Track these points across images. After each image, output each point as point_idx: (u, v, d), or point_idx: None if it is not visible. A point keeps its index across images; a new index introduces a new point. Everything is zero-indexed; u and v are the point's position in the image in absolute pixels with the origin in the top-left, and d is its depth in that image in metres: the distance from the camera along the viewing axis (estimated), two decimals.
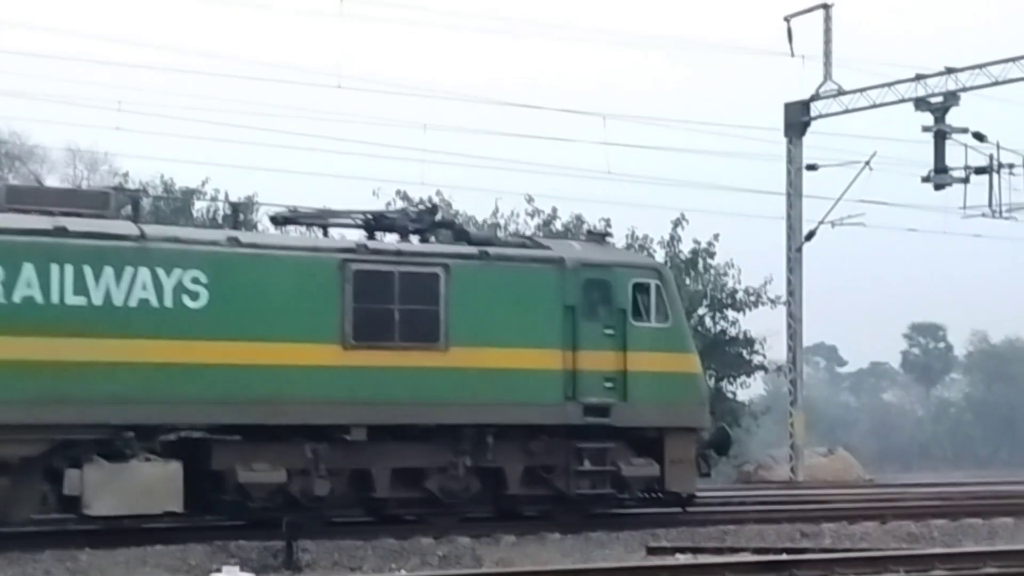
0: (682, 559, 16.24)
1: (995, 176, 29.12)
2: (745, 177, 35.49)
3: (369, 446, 18.56)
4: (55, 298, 16.65)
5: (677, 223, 36.89)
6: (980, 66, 29.52)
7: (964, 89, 29.54)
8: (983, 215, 29.57)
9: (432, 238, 20.24)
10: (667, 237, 37.62)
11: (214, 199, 33.81)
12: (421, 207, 20.57)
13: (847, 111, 32.09)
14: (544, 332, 19.69)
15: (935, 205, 30.46)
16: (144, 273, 17.15)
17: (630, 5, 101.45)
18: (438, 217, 20.49)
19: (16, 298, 16.45)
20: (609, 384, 20.04)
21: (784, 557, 15.46)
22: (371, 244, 19.03)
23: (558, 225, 38.14)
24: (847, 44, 36.01)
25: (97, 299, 16.88)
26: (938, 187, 29.59)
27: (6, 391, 16.24)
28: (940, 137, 29.37)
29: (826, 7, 32.60)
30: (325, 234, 20.04)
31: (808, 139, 32.59)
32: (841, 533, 19.66)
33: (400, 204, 36.46)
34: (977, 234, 32.24)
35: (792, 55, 32.24)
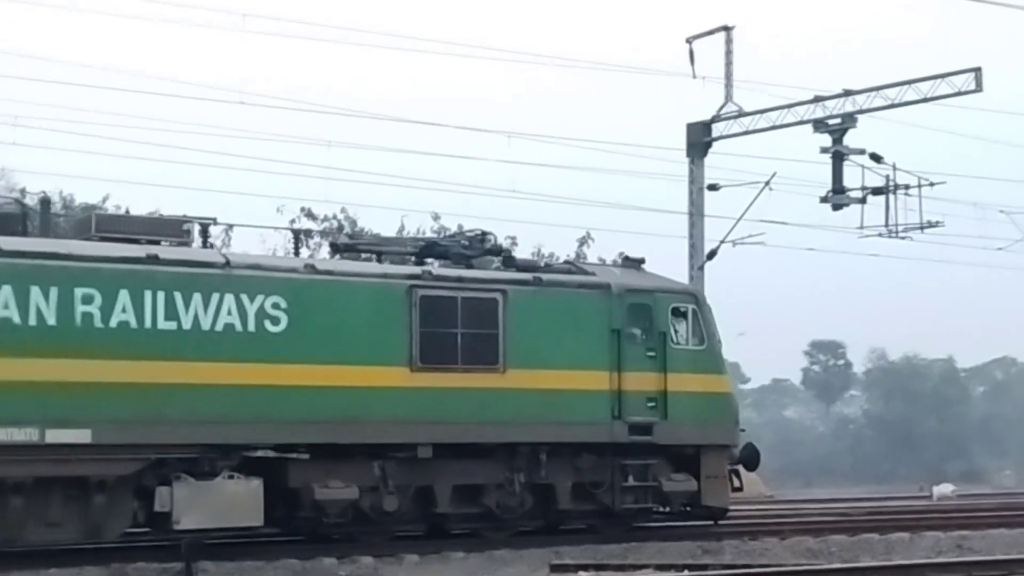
0: None
1: (891, 197, 29.46)
2: (649, 196, 36.24)
3: (433, 463, 19.46)
4: (148, 323, 17.42)
5: (583, 241, 37.64)
6: (877, 88, 29.63)
7: (861, 111, 29.74)
8: (880, 235, 29.88)
9: (477, 264, 21.21)
10: (573, 255, 38.30)
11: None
12: (472, 234, 21.44)
13: (748, 132, 32.24)
14: (592, 354, 20.70)
15: (834, 225, 30.79)
16: (229, 299, 17.96)
17: (536, 25, 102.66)
18: (488, 245, 21.38)
19: (113, 323, 17.21)
20: (651, 404, 21.08)
21: (685, 574, 15.57)
22: (435, 270, 19.96)
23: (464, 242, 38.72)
24: (748, 66, 36.58)
25: (187, 324, 17.67)
26: (836, 207, 29.86)
27: (105, 412, 16.98)
28: (838, 158, 29.68)
29: (727, 30, 32.80)
30: (379, 260, 20.91)
31: (710, 159, 32.87)
32: (742, 549, 19.85)
33: (305, 220, 37.15)
34: (874, 253, 32.68)
35: (694, 76, 32.52)
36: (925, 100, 29.05)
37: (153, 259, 17.60)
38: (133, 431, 17.22)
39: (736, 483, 22.45)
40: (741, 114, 32.04)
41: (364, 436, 18.85)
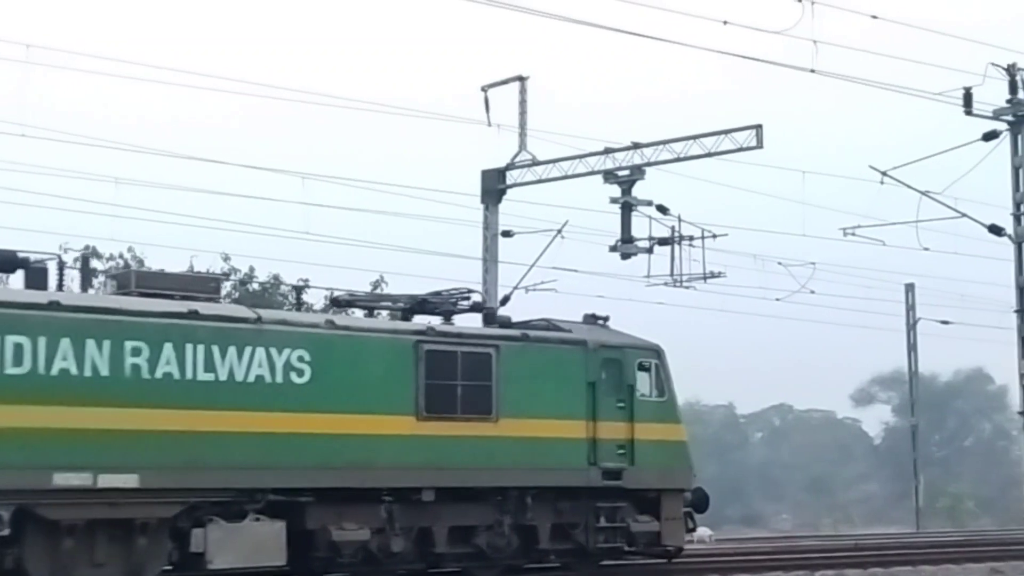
0: None
1: (676, 247, 30.18)
2: (443, 241, 35.86)
3: (433, 506, 20.88)
4: (189, 374, 18.55)
5: (376, 285, 37.67)
6: (664, 142, 30.37)
7: (649, 164, 30.47)
8: (665, 284, 30.52)
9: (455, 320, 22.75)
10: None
11: None
12: (455, 292, 22.96)
13: (541, 180, 32.84)
14: (572, 405, 22.40)
15: (622, 273, 31.42)
16: (260, 352, 19.18)
17: (332, 68, 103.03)
18: (469, 303, 22.92)
19: (158, 374, 18.30)
20: (621, 451, 22.84)
21: None
22: (438, 327, 21.45)
23: (255, 284, 38.83)
24: (542, 116, 37.93)
25: (223, 375, 18.83)
26: (625, 256, 30.50)
27: (150, 458, 18.05)
28: (627, 209, 30.40)
29: (522, 79, 33.20)
30: (370, 315, 22.27)
31: (504, 206, 33.11)
32: None
33: (92, 260, 37.28)
34: (660, 301, 32.91)
35: (489, 124, 32.87)
36: (709, 155, 30.04)
37: (194, 314, 18.76)
38: (175, 476, 18.31)
39: (690, 524, 24.35)
40: (535, 163, 32.70)
41: (375, 481, 20.20)
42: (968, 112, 24.99)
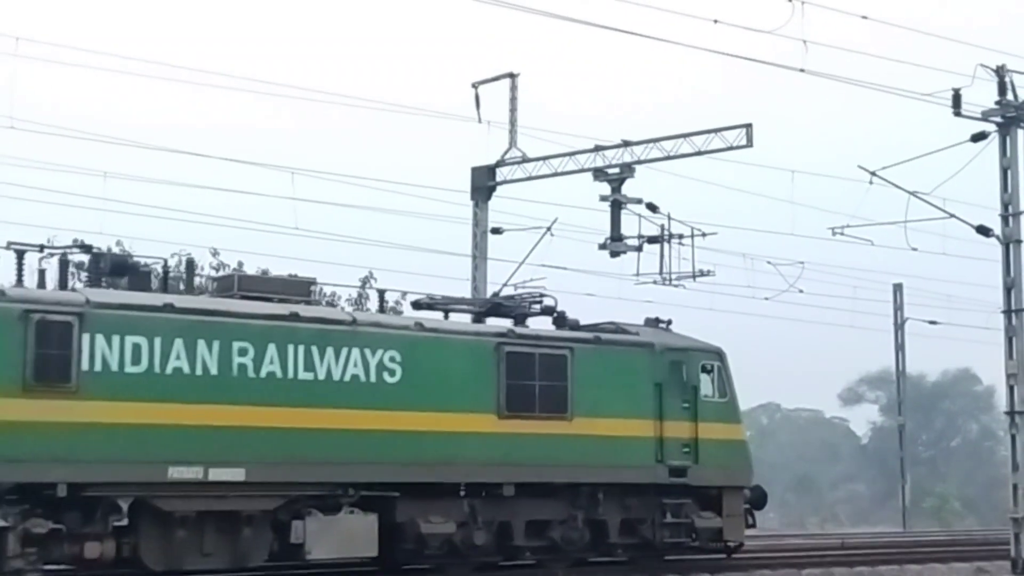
0: None
1: (666, 246, 29.83)
2: (433, 237, 35.13)
3: (512, 501, 21.83)
4: (291, 374, 19.51)
5: (365, 281, 37.27)
6: (654, 140, 30.24)
7: (639, 161, 30.31)
8: (655, 282, 30.10)
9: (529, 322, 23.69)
10: (355, 295, 38.34)
11: None
12: (527, 296, 23.91)
13: (531, 178, 32.61)
14: (640, 405, 23.34)
15: (611, 271, 30.96)
16: (355, 353, 20.14)
17: (323, 63, 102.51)
18: (540, 306, 23.86)
19: (263, 373, 19.26)
20: (686, 449, 23.78)
21: None
22: (518, 330, 22.40)
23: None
24: (532, 113, 37.07)
25: (321, 375, 19.79)
26: (614, 254, 30.26)
27: (256, 453, 19.01)
28: (616, 207, 30.23)
29: (512, 76, 32.99)
30: (446, 317, 23.20)
31: (494, 203, 32.98)
32: None
33: (78, 252, 37.90)
34: (649, 300, 31.77)
35: (480, 121, 32.57)
36: (699, 153, 29.89)
37: (295, 317, 19.71)
38: (278, 470, 19.27)
39: (750, 521, 25.29)
40: (525, 160, 32.53)
41: (460, 476, 21.16)
42: (957, 113, 24.97)
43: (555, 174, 32.24)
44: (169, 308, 18.62)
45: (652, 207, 29.87)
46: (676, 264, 29.69)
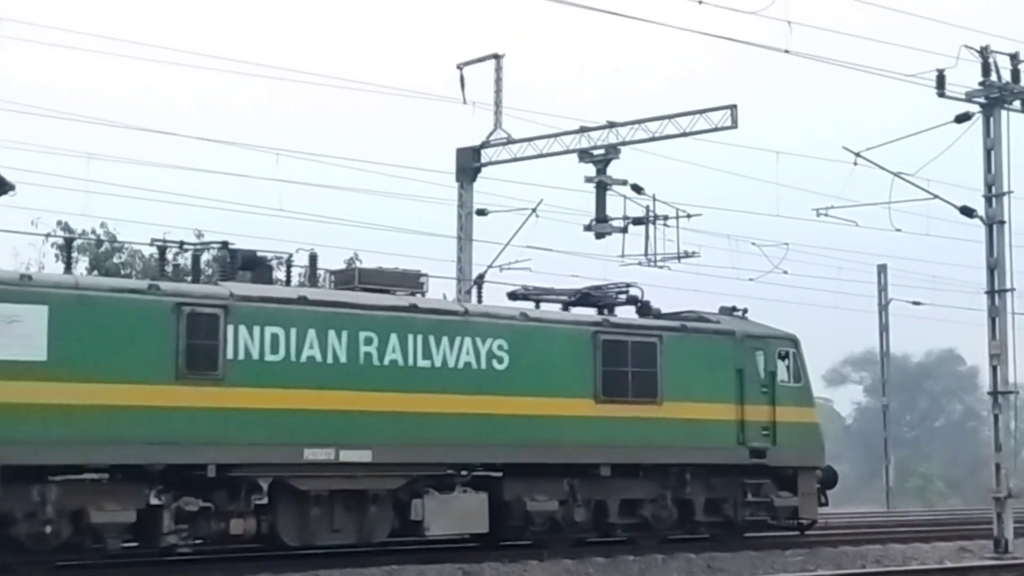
0: None
1: (651, 227, 29.77)
2: (418, 219, 36.70)
3: (607, 481, 23.10)
4: (410, 361, 20.77)
5: (350, 262, 36.94)
6: (639, 121, 30.16)
7: (624, 143, 30.18)
8: (640, 263, 30.01)
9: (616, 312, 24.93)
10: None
11: None
12: (614, 286, 25.14)
13: (516, 159, 32.36)
14: (724, 390, 24.61)
15: (596, 253, 30.85)
16: (467, 342, 21.40)
17: (307, 44, 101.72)
18: (625, 296, 25.09)
19: (386, 361, 20.52)
20: (765, 432, 25.05)
21: None
22: (612, 319, 23.66)
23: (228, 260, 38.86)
24: (517, 94, 36.63)
25: (437, 362, 21.06)
26: (599, 236, 30.14)
27: (381, 436, 20.27)
28: (601, 188, 30.09)
29: (497, 57, 32.86)
30: (537, 307, 24.42)
31: (479, 184, 32.75)
32: (502, 571, 20.35)
33: (60, 233, 36.73)
34: (634, 281, 31.19)
35: (464, 102, 32.46)
36: (684, 134, 29.82)
37: (413, 308, 20.97)
38: (401, 452, 20.54)
39: (822, 500, 26.57)
40: (510, 141, 32.34)
41: (561, 457, 22.42)
42: (941, 94, 24.74)
43: (540, 155, 32.07)
44: (303, 300, 19.87)
45: (637, 188, 29.87)
46: (661, 245, 29.78)
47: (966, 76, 25.04)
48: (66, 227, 37.11)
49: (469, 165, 32.76)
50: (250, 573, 18.97)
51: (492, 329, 21.75)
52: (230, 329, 19.01)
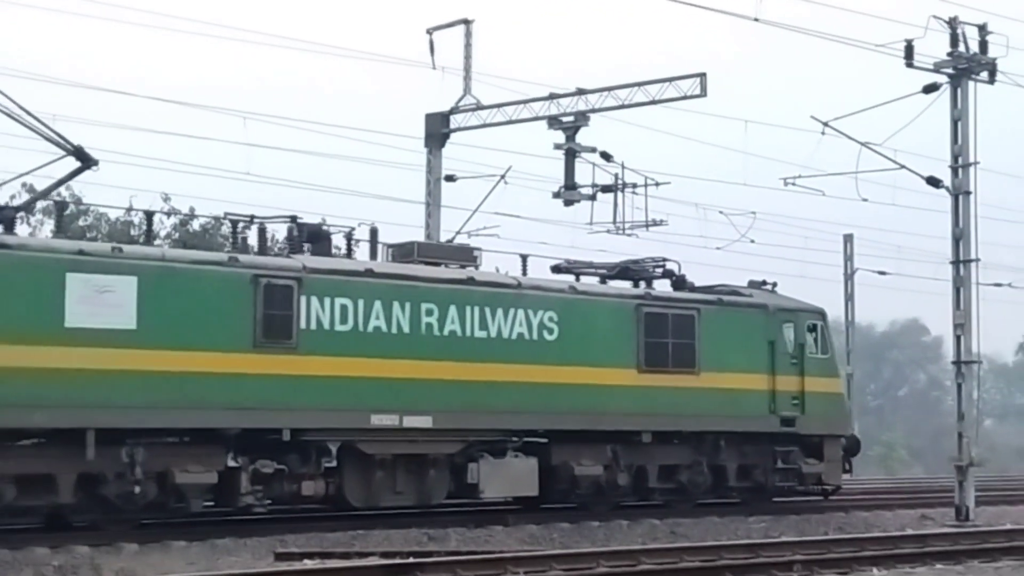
0: (310, 564, 16.26)
1: (619, 194, 29.62)
2: (386, 184, 34.66)
3: (647, 447, 24.13)
4: (468, 332, 21.72)
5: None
6: (608, 89, 29.93)
7: (593, 110, 30.01)
8: (608, 231, 29.89)
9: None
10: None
11: None
12: (650, 261, 26.08)
13: (485, 125, 32.06)
14: (757, 361, 25.63)
15: (565, 220, 30.73)
16: (520, 313, 22.37)
17: (275, 7, 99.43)
18: (662, 270, 26.05)
19: (446, 332, 21.46)
20: (795, 401, 26.08)
21: (410, 560, 15.73)
22: (653, 292, 24.64)
23: (196, 225, 37.53)
24: (487, 60, 36.63)
25: (493, 332, 22.01)
26: (568, 203, 30.03)
27: (441, 403, 21.24)
28: (570, 155, 29.96)
29: (467, 23, 32.54)
30: (577, 279, 25.35)
31: (448, 150, 32.59)
32: (467, 536, 20.44)
33: (26, 195, 36.08)
34: (602, 249, 30.96)
35: (434, 67, 32.19)
36: (653, 102, 29.56)
37: (471, 281, 21.92)
38: (459, 418, 21.52)
39: (847, 467, 27.66)
40: (479, 107, 32.04)
41: (606, 424, 23.43)
42: (909, 64, 24.66)
43: (509, 122, 31.76)
44: (369, 273, 20.80)
45: (606, 156, 29.77)
46: (629, 213, 29.65)
47: (934, 47, 25.04)
48: (31, 189, 37.44)
49: (438, 131, 32.50)
50: (316, 532, 19.70)
51: (543, 301, 22.70)
52: (303, 300, 19.92)
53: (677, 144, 34.78)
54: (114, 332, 18.16)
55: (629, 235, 29.63)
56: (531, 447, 22.90)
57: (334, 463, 20.55)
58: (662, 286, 25.88)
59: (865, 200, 27.64)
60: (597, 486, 23.58)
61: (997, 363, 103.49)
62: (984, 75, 25.17)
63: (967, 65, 25.04)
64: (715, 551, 16.97)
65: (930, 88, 25.20)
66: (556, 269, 25.16)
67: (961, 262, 25.25)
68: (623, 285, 25.28)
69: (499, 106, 31.82)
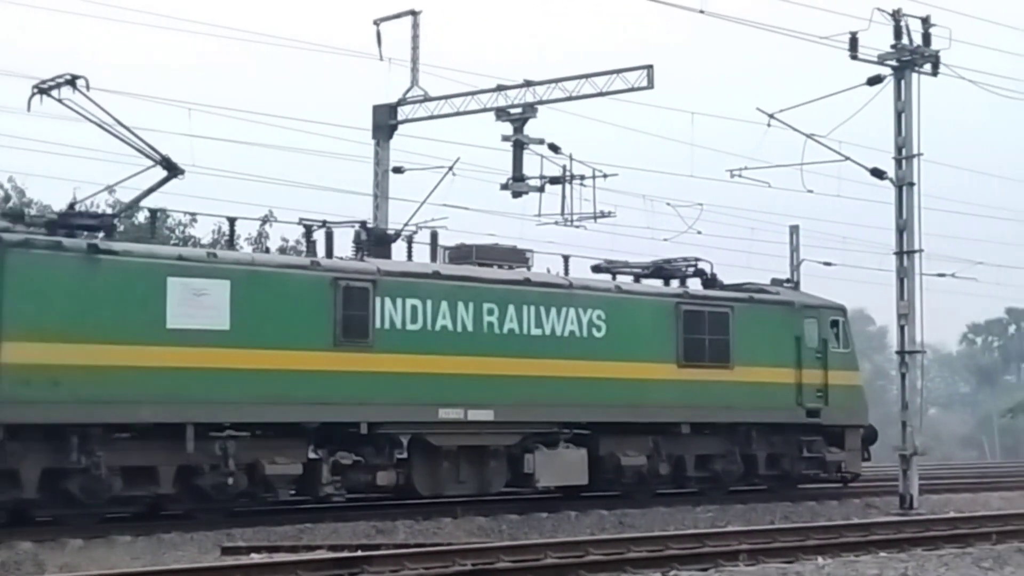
0: (256, 558, 15.98)
1: (567, 186, 29.51)
2: (334, 176, 34.81)
3: (685, 438, 25.48)
4: (525, 330, 22.98)
5: (265, 220, 36.59)
6: (556, 81, 29.97)
7: (541, 102, 30.03)
8: (556, 223, 29.82)
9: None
10: (255, 234, 38.64)
11: None
12: (682, 260, 27.43)
13: (433, 116, 31.93)
14: (785, 355, 27.02)
15: (513, 212, 30.66)
16: (571, 312, 23.65)
17: None
18: (694, 269, 27.38)
19: (504, 330, 22.72)
20: (819, 394, 27.49)
21: (358, 554, 15.52)
22: (691, 291, 25.98)
23: (141, 218, 37.41)
24: (434, 51, 35.86)
25: (547, 330, 23.28)
26: (516, 195, 29.90)
27: (501, 397, 22.49)
28: (518, 147, 29.81)
29: (414, 14, 32.44)
30: (614, 278, 26.62)
31: (396, 142, 32.37)
32: (415, 528, 20.28)
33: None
34: (551, 240, 31.13)
35: (381, 59, 31.96)
36: (601, 94, 29.49)
37: (527, 282, 23.18)
38: (517, 411, 22.79)
39: (865, 455, 29.11)
40: (427, 98, 31.91)
41: (649, 416, 24.75)
42: (854, 57, 24.73)
43: (457, 113, 31.60)
44: (436, 275, 22.03)
45: (554, 148, 29.71)
46: (577, 205, 29.59)
47: (878, 39, 25.03)
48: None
49: (386, 122, 32.24)
50: (263, 525, 19.41)
51: (592, 301, 23.99)
52: (378, 301, 21.13)
53: (625, 136, 34.76)
54: (210, 332, 19.32)
55: (577, 227, 29.75)
56: (579, 438, 24.20)
57: (405, 454, 21.76)
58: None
59: (810, 191, 27.47)
60: (640, 475, 24.89)
61: (941, 353, 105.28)
62: (927, 67, 25.24)
63: (910, 57, 25.11)
64: (662, 541, 17.00)
65: (874, 80, 25.21)
66: (596, 269, 26.45)
67: (905, 253, 25.36)
68: (656, 283, 26.64)
69: (447, 97, 31.69)
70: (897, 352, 25.86)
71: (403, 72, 31.94)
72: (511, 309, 22.83)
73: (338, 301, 20.71)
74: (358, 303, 20.91)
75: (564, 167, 29.45)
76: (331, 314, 20.64)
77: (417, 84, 32.12)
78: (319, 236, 21.94)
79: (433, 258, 23.48)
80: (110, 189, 19.89)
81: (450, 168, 27.82)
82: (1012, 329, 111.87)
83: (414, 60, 32.26)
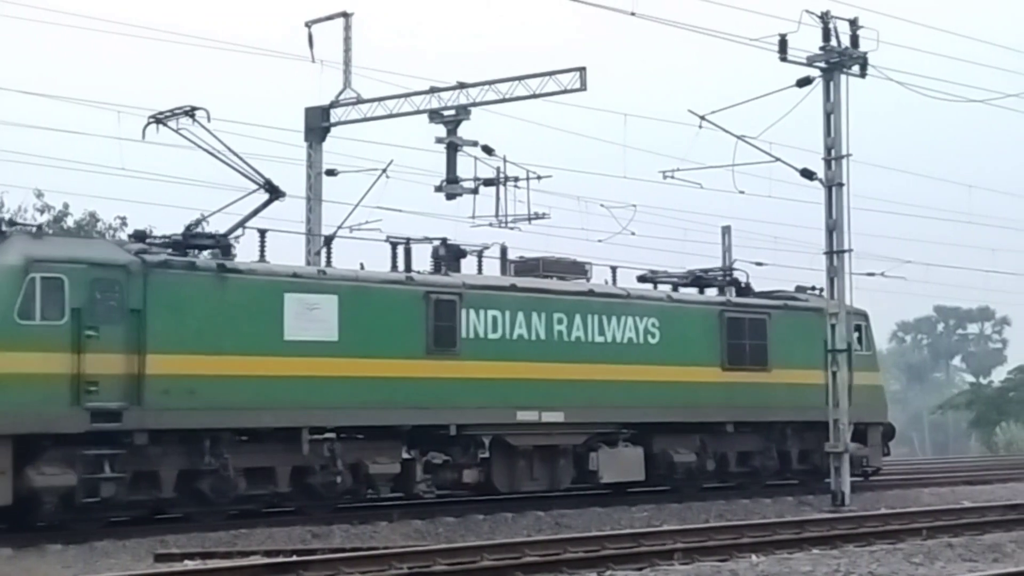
0: (191, 565, 16.01)
1: (501, 188, 29.39)
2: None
3: (728, 436, 27.38)
4: (590, 337, 24.79)
5: (197, 223, 36.97)
6: (489, 83, 29.97)
7: (474, 104, 30.00)
8: (491, 224, 29.57)
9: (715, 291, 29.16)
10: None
11: None
12: (719, 270, 29.34)
13: (366, 119, 31.82)
14: (814, 358, 28.85)
15: (447, 214, 30.71)
16: (629, 320, 25.49)
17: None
18: (730, 278, 29.30)
19: (572, 338, 24.53)
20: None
21: (293, 559, 15.51)
22: (733, 299, 27.87)
23: (70, 221, 37.53)
24: (367, 54, 35.90)
25: (609, 338, 25.11)
26: (450, 197, 29.84)
27: (570, 400, 24.30)
28: (452, 149, 29.79)
29: (346, 16, 32.31)
30: (655, 287, 28.44)
31: (328, 144, 32.24)
32: (351, 532, 20.30)
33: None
34: (485, 244, 28.61)
35: (313, 60, 31.81)
36: (534, 96, 29.44)
37: (591, 293, 25.01)
38: (584, 413, 24.61)
39: (886, 450, 31.11)
40: (359, 101, 31.83)
41: (698, 416, 26.64)
42: (783, 59, 25.04)
43: (390, 115, 31.50)
44: (513, 288, 23.81)
45: (488, 149, 29.63)
46: (512, 207, 29.47)
47: (807, 41, 25.36)
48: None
49: (318, 125, 32.04)
50: (197, 531, 19.38)
51: (647, 309, 25.85)
52: (463, 312, 22.87)
53: (558, 138, 34.92)
54: (321, 343, 21.01)
55: (511, 228, 29.62)
56: (636, 437, 26.03)
57: (487, 454, 23.51)
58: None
59: (742, 192, 27.88)
60: (689, 471, 26.76)
61: None
62: (856, 68, 25.63)
63: (839, 59, 25.48)
64: (598, 541, 17.26)
65: (803, 82, 25.54)
66: (642, 279, 28.31)
67: (835, 252, 25.84)
68: (687, 291, 28.51)
69: (380, 100, 31.54)
70: (828, 351, 26.57)
71: (335, 74, 31.90)
72: (577, 318, 24.62)
73: (430, 313, 22.43)
74: (447, 314, 22.64)
75: (498, 169, 29.41)
76: (424, 325, 22.36)
77: (349, 86, 32.00)
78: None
79: (503, 271, 25.25)
80: (223, 211, 21.13)
81: (383, 170, 27.65)
82: (941, 327, 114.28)
83: (346, 62, 32.15)
